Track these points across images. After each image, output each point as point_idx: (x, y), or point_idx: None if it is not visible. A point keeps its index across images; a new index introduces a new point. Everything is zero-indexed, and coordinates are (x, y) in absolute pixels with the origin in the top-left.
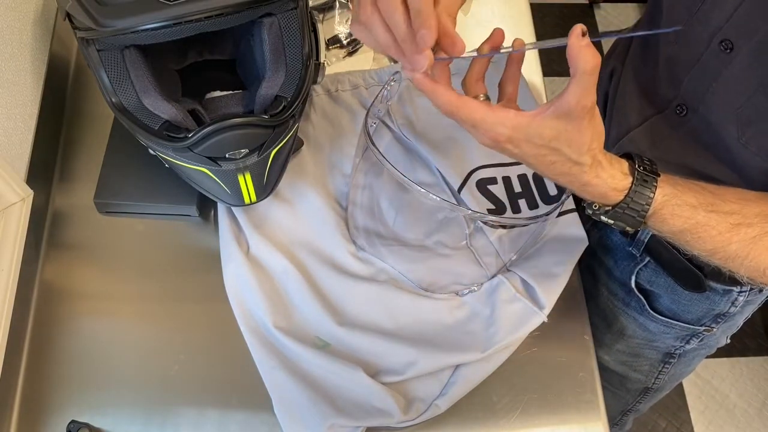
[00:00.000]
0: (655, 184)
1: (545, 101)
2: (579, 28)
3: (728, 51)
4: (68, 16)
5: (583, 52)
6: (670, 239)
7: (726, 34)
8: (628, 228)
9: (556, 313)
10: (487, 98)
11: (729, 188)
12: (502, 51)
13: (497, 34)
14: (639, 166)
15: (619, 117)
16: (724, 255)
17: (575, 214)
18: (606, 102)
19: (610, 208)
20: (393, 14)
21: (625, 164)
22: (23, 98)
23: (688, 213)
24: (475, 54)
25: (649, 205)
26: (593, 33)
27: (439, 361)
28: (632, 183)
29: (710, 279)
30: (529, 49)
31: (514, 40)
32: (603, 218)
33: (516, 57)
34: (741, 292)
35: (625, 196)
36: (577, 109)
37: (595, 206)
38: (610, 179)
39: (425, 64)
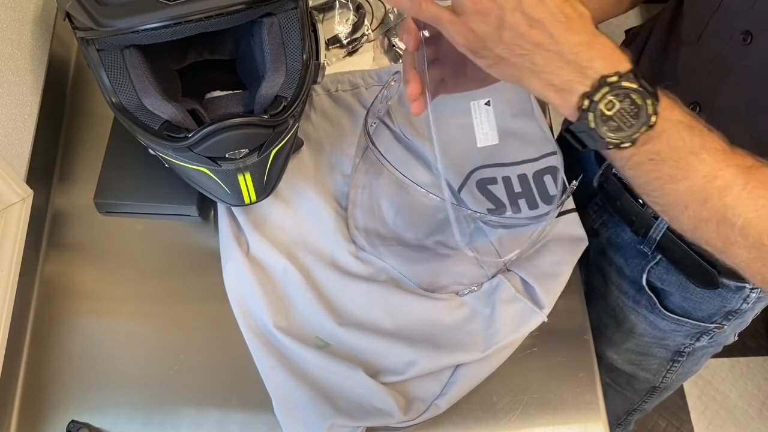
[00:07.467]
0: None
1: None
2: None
3: (748, 42)
4: (68, 16)
5: None
6: (657, 179)
7: (746, 25)
8: (623, 144)
9: (556, 313)
10: None
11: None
12: None
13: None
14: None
15: None
16: (722, 183)
17: (575, 214)
18: None
19: (607, 88)
20: None
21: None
22: (23, 98)
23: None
24: None
25: (653, 101)
26: None
27: (439, 361)
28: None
29: (723, 276)
30: None
31: None
32: (589, 118)
33: None
34: (753, 288)
35: (628, 70)
36: None
37: (584, 105)
38: (608, 47)
39: None
